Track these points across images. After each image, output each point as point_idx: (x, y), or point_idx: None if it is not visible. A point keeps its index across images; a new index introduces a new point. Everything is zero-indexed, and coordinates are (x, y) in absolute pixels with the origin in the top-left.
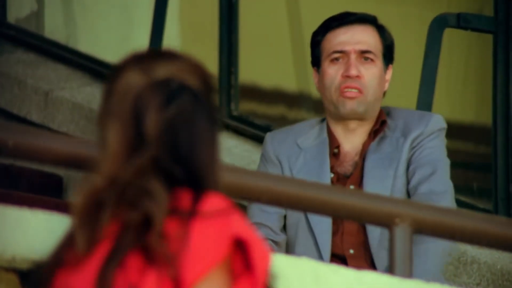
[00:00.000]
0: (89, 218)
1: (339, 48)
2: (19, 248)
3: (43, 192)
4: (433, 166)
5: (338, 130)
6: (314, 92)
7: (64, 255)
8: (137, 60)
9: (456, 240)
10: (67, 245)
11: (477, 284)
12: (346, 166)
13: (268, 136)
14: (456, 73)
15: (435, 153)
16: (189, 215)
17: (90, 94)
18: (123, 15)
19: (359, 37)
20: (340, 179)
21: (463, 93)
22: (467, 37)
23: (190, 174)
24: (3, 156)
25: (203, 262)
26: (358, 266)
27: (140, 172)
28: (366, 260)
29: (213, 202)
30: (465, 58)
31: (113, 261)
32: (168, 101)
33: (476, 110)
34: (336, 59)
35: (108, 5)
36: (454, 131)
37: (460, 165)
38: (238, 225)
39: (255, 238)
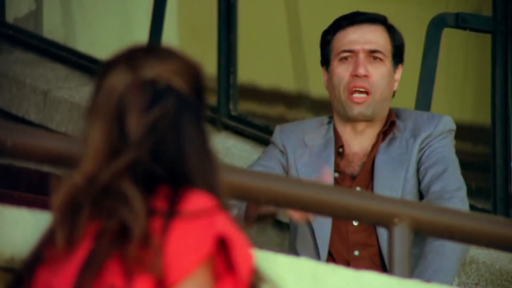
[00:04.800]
0: (67, 216)
1: (348, 47)
2: (18, 248)
3: (41, 192)
4: (445, 164)
5: (347, 131)
6: (313, 92)
7: (45, 251)
8: (127, 57)
9: (455, 240)
10: (48, 241)
11: (475, 284)
12: (354, 167)
13: (278, 128)
14: (455, 73)
15: (445, 152)
16: (169, 215)
17: (88, 93)
18: (122, 15)
19: (369, 37)
20: (346, 179)
21: (461, 93)
22: (465, 37)
23: (174, 175)
24: (2, 156)
25: (186, 261)
26: (363, 267)
27: (117, 176)
28: (372, 259)
29: (196, 202)
30: (463, 58)
31: (91, 267)
32: (152, 103)
33: (475, 110)
34: (345, 58)
35: (107, 5)
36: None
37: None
38: (222, 224)
39: (239, 237)
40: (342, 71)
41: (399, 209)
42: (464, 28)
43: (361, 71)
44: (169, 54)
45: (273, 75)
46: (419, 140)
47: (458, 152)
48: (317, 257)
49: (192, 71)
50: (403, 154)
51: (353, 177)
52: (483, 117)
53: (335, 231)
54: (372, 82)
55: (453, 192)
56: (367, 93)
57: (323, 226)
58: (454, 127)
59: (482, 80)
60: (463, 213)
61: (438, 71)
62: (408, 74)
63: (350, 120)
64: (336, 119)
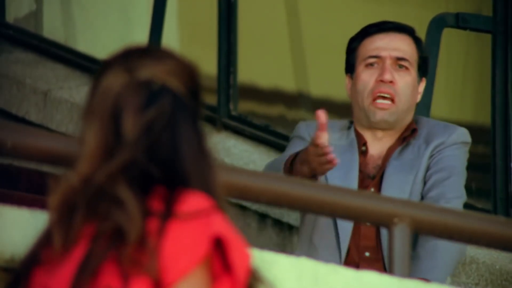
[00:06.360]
0: (63, 217)
1: (375, 53)
2: (18, 248)
3: (41, 192)
4: (449, 173)
5: (366, 136)
6: (313, 92)
7: (42, 252)
8: (123, 58)
9: (455, 240)
10: (45, 242)
11: (475, 284)
12: (370, 168)
13: (302, 123)
14: (455, 73)
15: (453, 162)
16: (165, 216)
17: None
18: (122, 15)
19: (396, 44)
20: (364, 180)
21: (461, 93)
22: (465, 37)
23: (170, 175)
24: (2, 156)
25: (183, 262)
26: (374, 268)
27: (112, 177)
28: (380, 262)
29: (193, 203)
30: (463, 58)
31: (88, 268)
32: (147, 103)
33: (475, 110)
34: (371, 64)
35: (107, 5)
36: None
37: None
38: (218, 225)
39: (235, 238)
40: (367, 76)
41: (399, 209)
42: (464, 28)
43: (387, 76)
44: (165, 55)
45: (273, 75)
46: (431, 147)
47: None
48: (338, 252)
49: (188, 72)
50: (415, 159)
51: (369, 178)
52: (483, 117)
53: (355, 228)
54: (397, 89)
55: (450, 199)
56: (391, 100)
57: (346, 221)
58: (469, 140)
59: (482, 80)
60: (463, 213)
61: (438, 71)
62: None
63: (372, 127)
64: (357, 125)
